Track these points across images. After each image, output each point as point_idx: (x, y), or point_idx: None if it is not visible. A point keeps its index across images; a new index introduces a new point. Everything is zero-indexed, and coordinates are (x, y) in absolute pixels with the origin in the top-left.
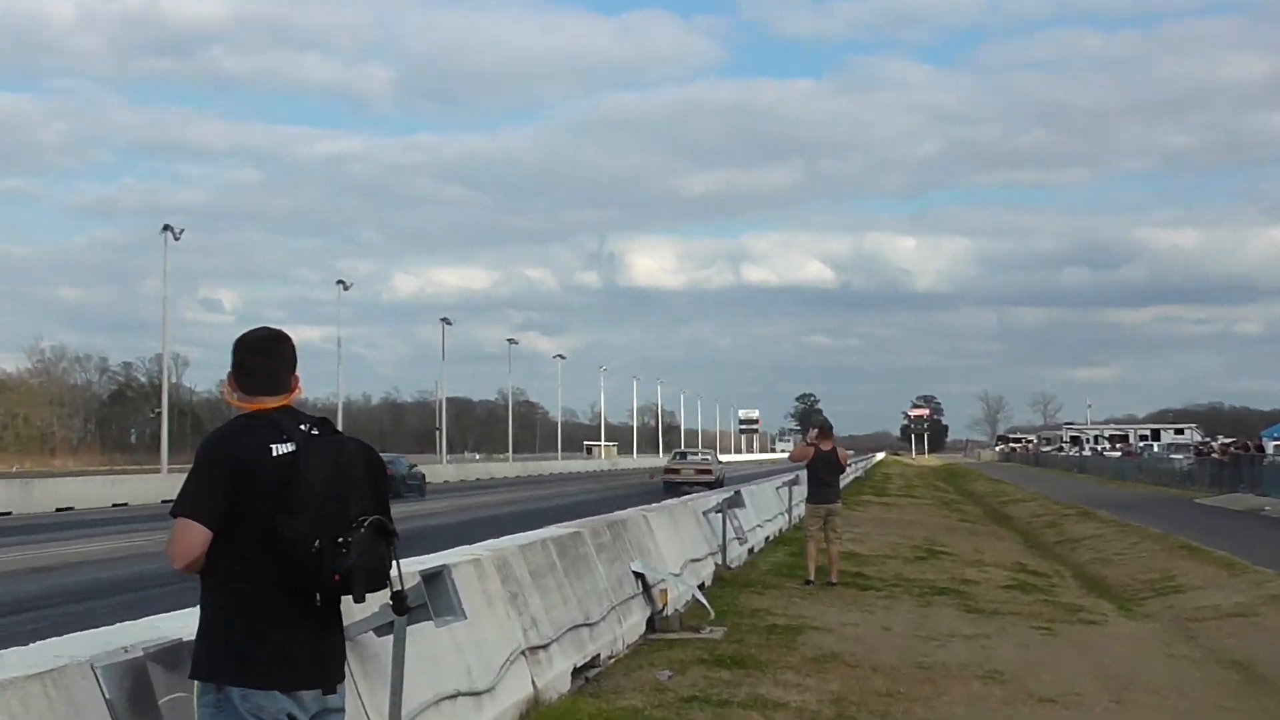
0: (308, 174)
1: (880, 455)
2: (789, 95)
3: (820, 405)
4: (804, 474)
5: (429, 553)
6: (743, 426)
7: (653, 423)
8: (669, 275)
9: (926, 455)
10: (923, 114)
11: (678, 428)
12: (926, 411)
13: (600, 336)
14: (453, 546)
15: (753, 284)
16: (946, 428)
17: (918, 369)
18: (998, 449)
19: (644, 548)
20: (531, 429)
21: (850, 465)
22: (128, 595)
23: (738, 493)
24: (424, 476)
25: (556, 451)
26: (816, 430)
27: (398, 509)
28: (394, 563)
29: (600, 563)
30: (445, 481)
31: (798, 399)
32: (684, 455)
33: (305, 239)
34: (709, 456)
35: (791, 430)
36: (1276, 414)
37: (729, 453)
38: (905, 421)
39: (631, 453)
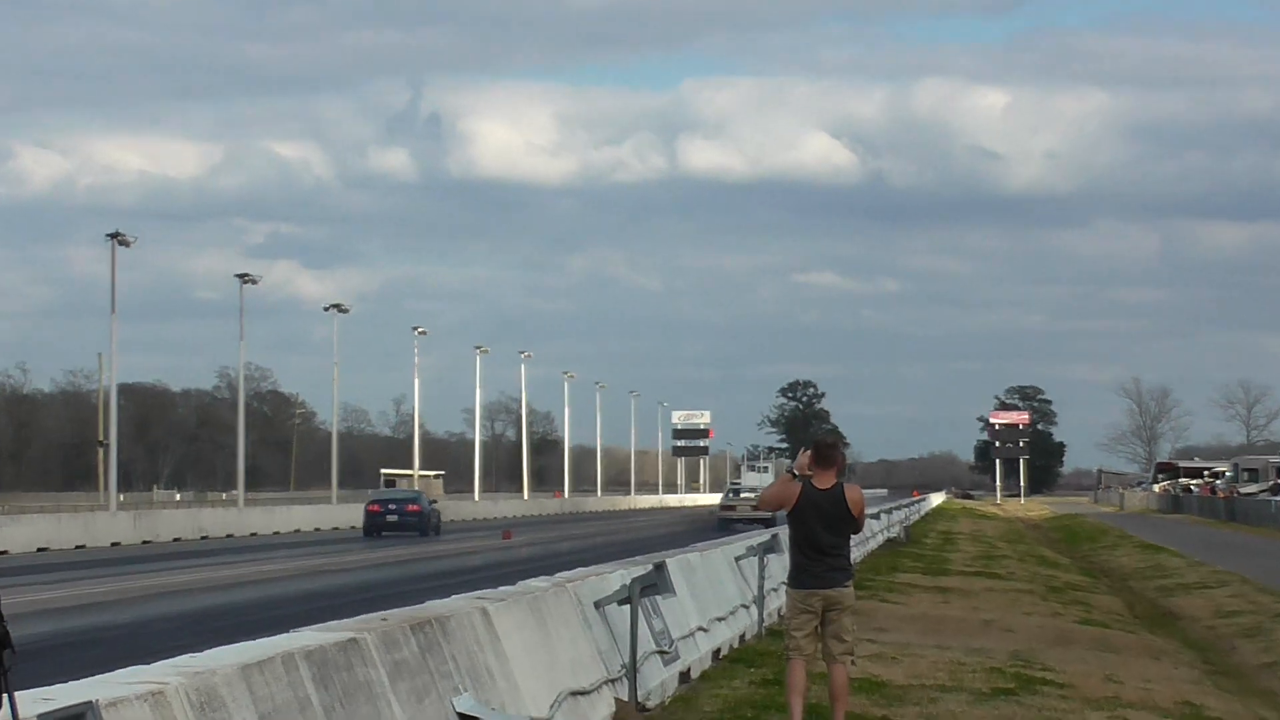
0: None
1: (938, 497)
2: None
3: (824, 405)
4: (784, 533)
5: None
6: (680, 443)
7: (512, 434)
8: (542, 158)
9: (1024, 498)
10: None
11: (556, 442)
12: (1025, 419)
13: (411, 271)
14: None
15: (702, 175)
16: (1062, 448)
17: (1008, 338)
18: (1158, 487)
19: (480, 669)
20: (286, 446)
21: (873, 517)
22: None
23: (659, 567)
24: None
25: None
26: (808, 452)
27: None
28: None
29: (396, 699)
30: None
31: (785, 392)
32: (737, 491)
33: None
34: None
35: (772, 452)
36: None
37: (649, 489)
38: (984, 437)
39: (473, 488)
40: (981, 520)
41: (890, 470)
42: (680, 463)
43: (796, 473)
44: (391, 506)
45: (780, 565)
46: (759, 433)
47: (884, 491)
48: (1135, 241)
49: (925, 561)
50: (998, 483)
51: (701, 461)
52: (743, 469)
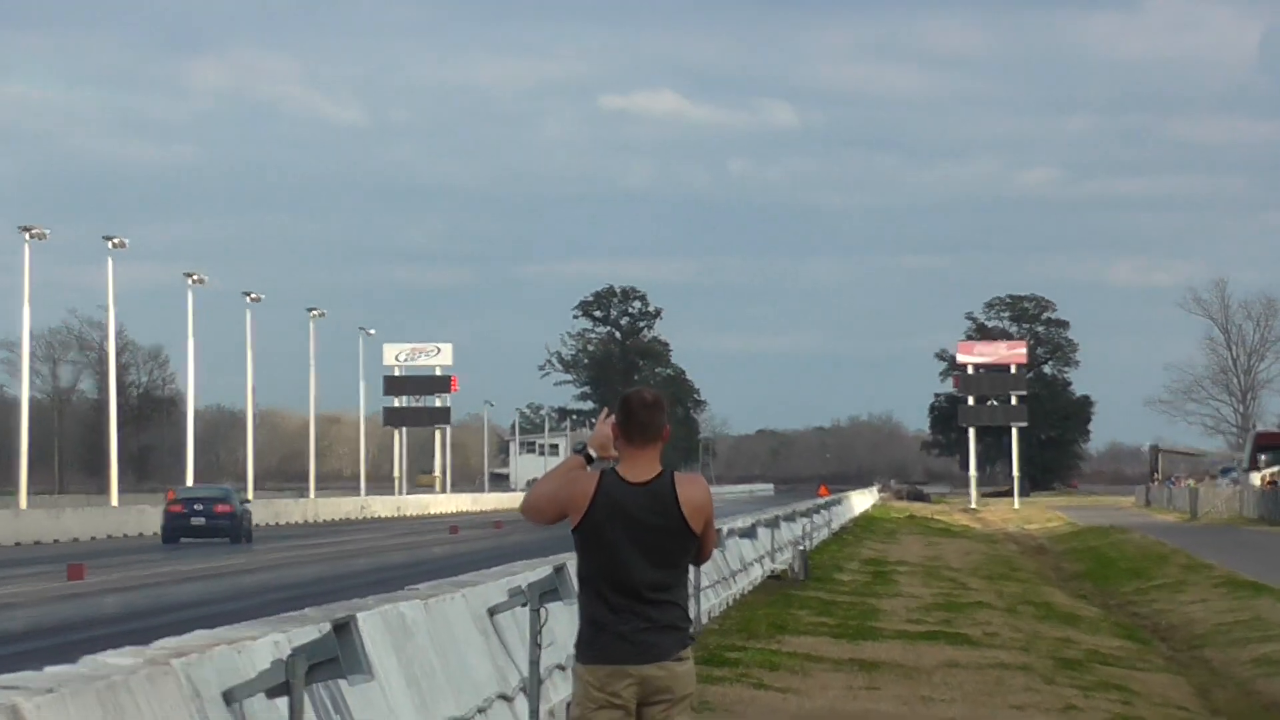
0: None
1: (865, 498)
2: None
3: (659, 332)
4: (572, 566)
5: None
6: (396, 402)
7: (90, 387)
8: None
9: (1019, 499)
10: None
11: (174, 403)
12: (1020, 355)
13: None
14: None
15: None
16: (1088, 407)
17: (991, 212)
18: (1258, 476)
19: None
20: None
21: (739, 534)
22: None
23: (342, 629)
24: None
25: None
26: (611, 418)
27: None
28: None
29: None
30: None
31: (588, 309)
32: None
33: None
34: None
35: (566, 418)
36: None
37: (341, 484)
38: (947, 389)
39: (17, 488)
40: (941, 539)
41: (780, 451)
42: (399, 438)
43: (593, 454)
44: (198, 507)
45: (569, 620)
46: (542, 383)
47: (767, 488)
48: (1221, 30)
49: (838, 613)
50: (971, 471)
51: (437, 435)
52: (513, 449)
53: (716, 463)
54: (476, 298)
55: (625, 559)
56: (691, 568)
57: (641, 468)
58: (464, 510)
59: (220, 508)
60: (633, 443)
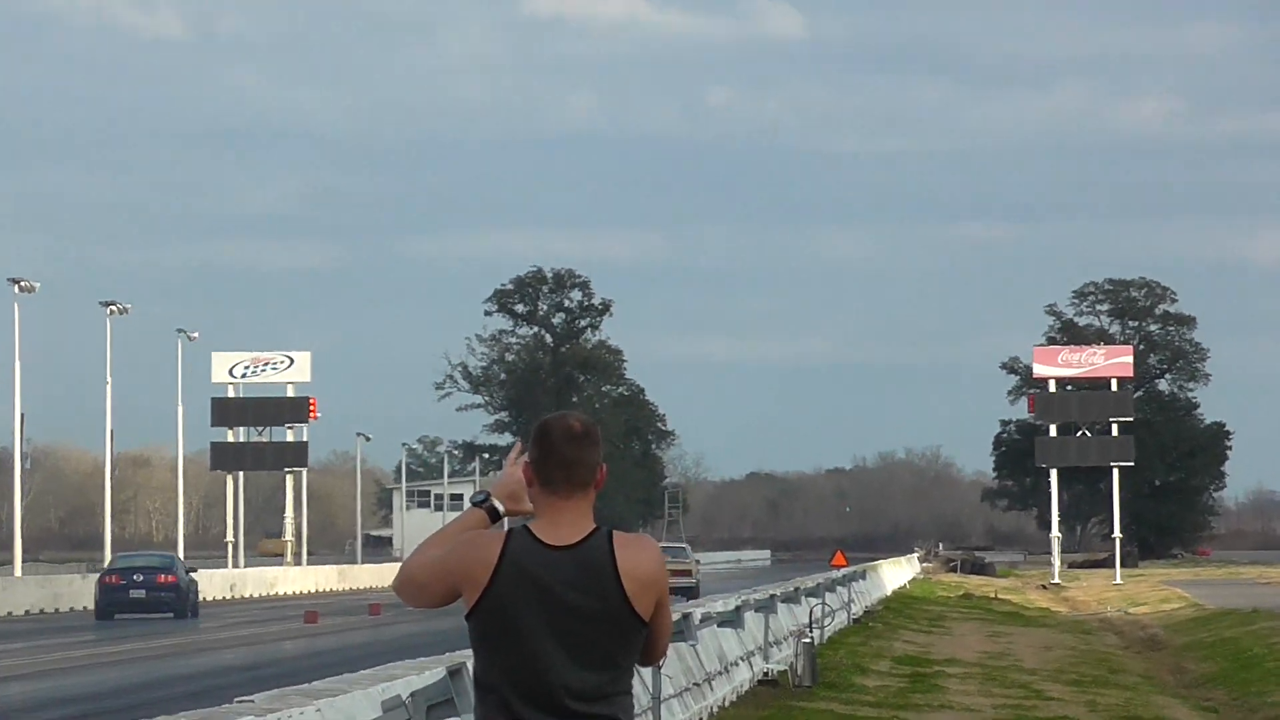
0: None
1: (899, 568)
2: None
3: (606, 333)
4: (469, 669)
5: None
6: (230, 435)
7: None
8: None
9: (1121, 570)
10: None
11: None
12: (1124, 365)
13: None
14: None
15: None
16: (1223, 437)
17: (1085, 161)
18: None
19: None
20: None
21: (707, 619)
22: None
23: None
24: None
25: None
26: (523, 458)
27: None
28: None
29: None
30: None
31: (503, 301)
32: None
33: None
34: (686, 551)
35: (473, 455)
36: None
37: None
38: (1019, 414)
39: None
40: (1010, 627)
41: (779, 504)
42: (232, 486)
43: (498, 507)
44: (137, 578)
45: None
46: (440, 409)
47: (762, 556)
48: None
49: None
50: (1053, 532)
51: (289, 483)
52: (397, 502)
53: (690, 520)
54: (345, 287)
55: (542, 657)
56: (640, 670)
57: (566, 526)
58: (327, 589)
59: (163, 578)
60: (555, 490)
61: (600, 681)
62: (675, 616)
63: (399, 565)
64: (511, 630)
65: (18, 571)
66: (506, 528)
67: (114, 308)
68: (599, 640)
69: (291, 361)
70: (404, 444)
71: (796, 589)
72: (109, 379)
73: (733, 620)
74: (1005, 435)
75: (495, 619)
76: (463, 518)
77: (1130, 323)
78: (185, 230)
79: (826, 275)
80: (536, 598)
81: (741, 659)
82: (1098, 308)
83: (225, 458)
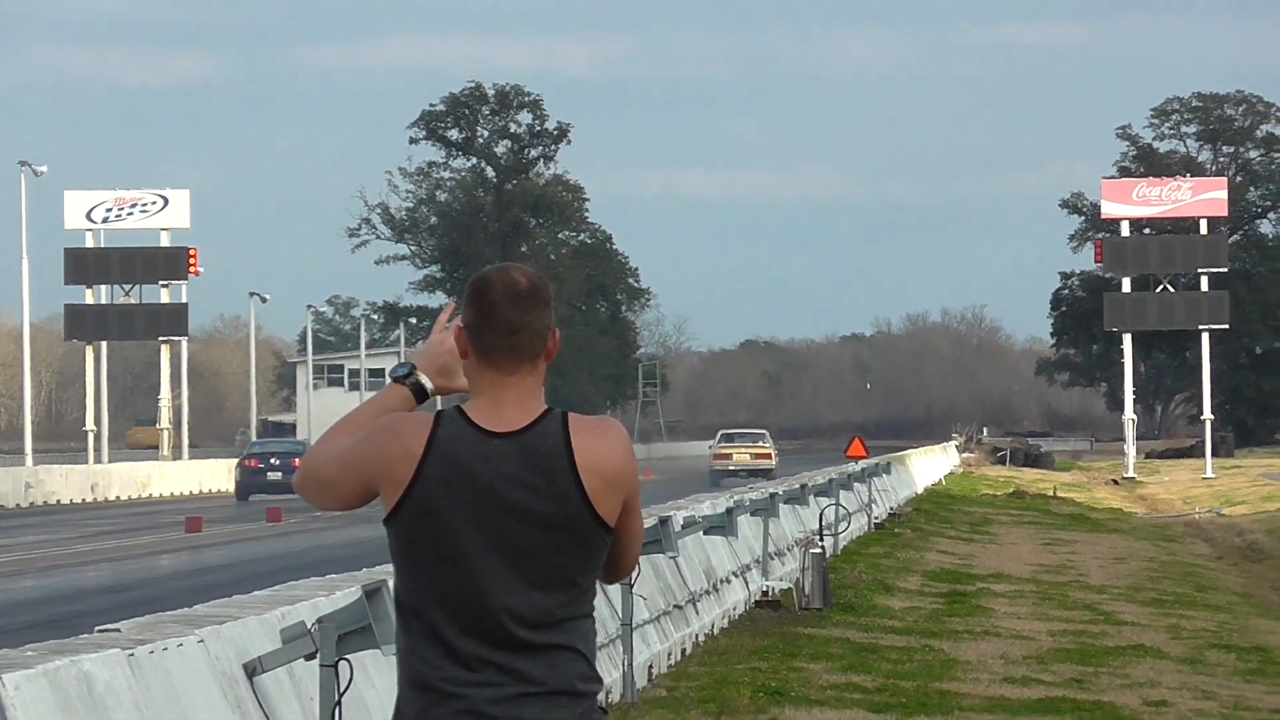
0: None
1: (932, 458)
2: None
3: (565, 167)
4: (389, 589)
5: None
6: (89, 296)
7: None
8: None
9: (1211, 460)
10: None
11: None
12: (1218, 200)
13: None
14: None
15: None
16: None
17: None
18: None
19: None
20: None
21: (689, 524)
22: None
23: None
24: None
25: None
26: (457, 321)
27: None
28: None
29: None
30: None
31: (434, 127)
32: (731, 436)
33: None
34: (765, 435)
35: (396, 319)
36: None
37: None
38: (1083, 266)
39: None
40: (1072, 533)
41: (783, 380)
42: (93, 359)
43: (425, 383)
44: (274, 461)
45: (389, 680)
46: (354, 261)
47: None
48: None
49: (881, 669)
50: (1127, 413)
51: (165, 356)
52: (302, 378)
53: (670, 401)
54: (231, 109)
55: (481, 574)
56: (604, 588)
57: (510, 407)
58: (214, 490)
59: (297, 462)
60: (495, 363)
61: (553, 604)
62: (649, 520)
63: (302, 459)
64: (442, 540)
65: None
66: (437, 409)
67: None
68: (552, 552)
69: (166, 202)
70: (309, 306)
71: (803, 486)
72: None
73: (723, 526)
74: (1066, 292)
75: (421, 525)
76: (380, 397)
77: (1224, 148)
78: (24, 35)
79: (837, 91)
80: (473, 498)
81: (735, 575)
82: (1183, 129)
83: (83, 324)
